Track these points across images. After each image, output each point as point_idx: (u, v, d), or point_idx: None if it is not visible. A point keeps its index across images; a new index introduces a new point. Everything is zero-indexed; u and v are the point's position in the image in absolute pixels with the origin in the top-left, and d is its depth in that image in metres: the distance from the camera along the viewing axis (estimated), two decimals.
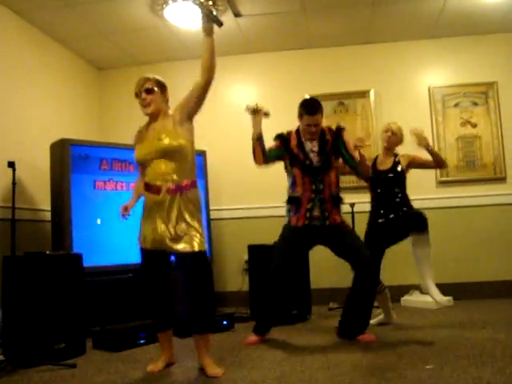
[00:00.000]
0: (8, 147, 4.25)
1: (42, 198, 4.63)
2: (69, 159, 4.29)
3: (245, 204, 5.61)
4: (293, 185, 3.74)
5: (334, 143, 3.72)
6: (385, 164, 4.09)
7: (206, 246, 2.95)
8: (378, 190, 4.05)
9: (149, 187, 2.94)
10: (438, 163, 4.01)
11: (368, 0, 4.71)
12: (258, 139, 3.70)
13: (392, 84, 5.61)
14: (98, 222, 4.44)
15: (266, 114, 3.80)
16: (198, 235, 2.88)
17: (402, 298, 5.09)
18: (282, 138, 3.79)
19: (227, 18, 4.89)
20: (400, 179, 4.03)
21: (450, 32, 5.43)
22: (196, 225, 2.89)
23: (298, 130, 3.80)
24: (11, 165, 3.73)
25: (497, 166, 5.35)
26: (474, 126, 5.44)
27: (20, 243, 3.79)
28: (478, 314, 4.33)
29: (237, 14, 4.87)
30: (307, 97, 5.58)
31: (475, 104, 5.46)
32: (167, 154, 2.91)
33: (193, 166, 3.02)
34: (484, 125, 5.42)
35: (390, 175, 4.00)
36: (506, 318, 4.06)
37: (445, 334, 3.61)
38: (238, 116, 5.75)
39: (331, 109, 5.64)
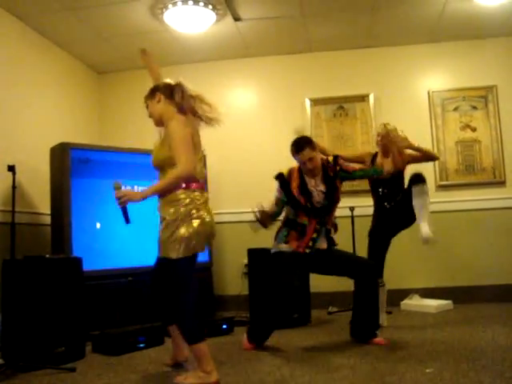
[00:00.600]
0: (8, 151, 4.25)
1: (41, 202, 4.63)
2: (69, 163, 4.28)
3: (245, 207, 5.58)
4: (296, 212, 3.72)
5: (336, 176, 3.70)
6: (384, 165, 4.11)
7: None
8: (380, 190, 4.10)
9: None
10: (427, 158, 4.09)
11: (367, 4, 4.72)
12: (272, 217, 3.81)
13: (391, 88, 5.61)
14: (98, 226, 4.44)
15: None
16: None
17: (402, 302, 5.09)
18: (283, 182, 3.75)
19: (227, 22, 4.91)
20: (401, 178, 4.10)
21: (449, 36, 5.44)
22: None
23: (299, 168, 3.75)
24: (11, 168, 3.73)
25: (496, 169, 5.36)
26: (474, 129, 5.45)
27: (20, 247, 3.79)
28: (478, 317, 4.33)
29: (236, 19, 4.88)
30: (307, 101, 5.62)
31: (475, 108, 5.47)
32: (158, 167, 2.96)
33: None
34: (483, 129, 5.43)
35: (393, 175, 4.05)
36: (505, 322, 4.06)
37: (444, 338, 3.61)
38: (238, 120, 5.79)
39: (331, 113, 5.65)
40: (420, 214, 3.90)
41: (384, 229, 4.16)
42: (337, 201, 3.75)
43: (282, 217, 3.88)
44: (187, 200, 2.82)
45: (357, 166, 3.85)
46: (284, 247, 3.70)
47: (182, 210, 2.79)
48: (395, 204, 4.08)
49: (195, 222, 2.80)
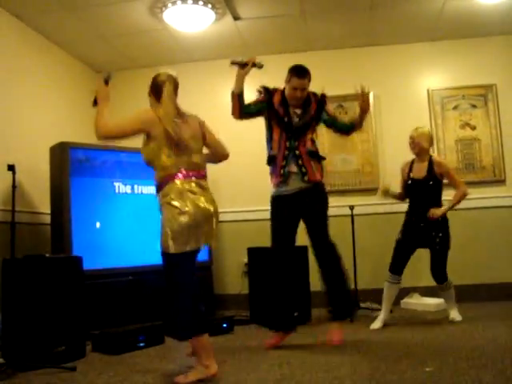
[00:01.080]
0: (8, 150, 4.25)
1: (41, 201, 4.63)
2: (68, 162, 4.29)
3: (244, 206, 5.61)
4: (269, 142, 3.81)
5: (317, 109, 3.78)
6: (418, 171, 4.25)
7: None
8: (411, 197, 4.31)
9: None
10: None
11: (367, 3, 4.72)
12: (239, 96, 3.77)
13: (391, 87, 5.61)
14: (98, 225, 4.44)
15: (259, 66, 3.72)
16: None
17: (402, 301, 5.10)
18: (267, 91, 3.86)
19: (226, 20, 4.90)
20: (434, 186, 4.21)
21: (448, 35, 5.44)
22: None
23: (283, 91, 3.83)
24: (11, 168, 3.74)
25: (496, 168, 5.36)
26: (473, 128, 5.45)
27: (20, 246, 3.79)
28: (478, 316, 4.33)
29: (236, 18, 4.88)
30: None
31: (474, 106, 5.47)
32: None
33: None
34: (483, 127, 5.43)
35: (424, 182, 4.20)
36: (505, 320, 4.06)
37: (445, 337, 3.61)
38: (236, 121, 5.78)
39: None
40: (448, 305, 4.33)
41: (406, 243, 4.27)
42: (309, 129, 3.75)
43: None
44: (168, 195, 2.86)
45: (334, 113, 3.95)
46: (273, 192, 3.78)
47: (165, 204, 2.84)
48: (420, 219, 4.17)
49: (177, 216, 2.78)
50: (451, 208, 4.17)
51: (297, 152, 3.68)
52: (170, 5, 4.52)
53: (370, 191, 5.52)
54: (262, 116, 3.86)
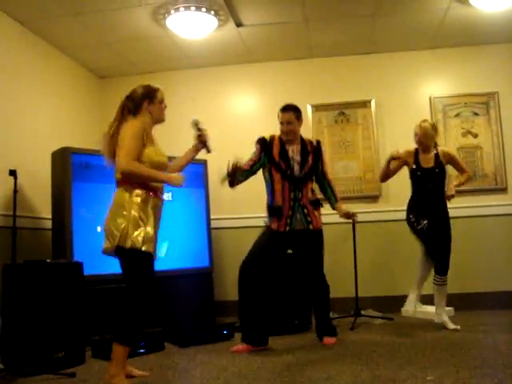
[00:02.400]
0: (9, 155, 4.25)
1: (42, 207, 4.63)
2: (70, 167, 4.29)
3: (245, 213, 5.60)
4: (271, 193, 3.92)
5: (314, 158, 3.94)
6: (426, 162, 4.36)
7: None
8: (419, 187, 4.40)
9: (156, 192, 2.97)
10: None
11: (369, 10, 4.73)
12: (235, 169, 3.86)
13: (393, 94, 5.62)
14: (99, 229, 4.43)
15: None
16: None
17: (403, 309, 5.07)
18: (265, 145, 3.93)
19: (229, 27, 4.92)
20: (442, 175, 4.37)
21: (450, 42, 5.45)
22: None
23: (280, 136, 3.96)
24: (12, 173, 3.72)
25: (498, 176, 5.35)
26: (475, 136, 5.45)
27: (20, 251, 3.78)
28: (479, 324, 4.31)
29: (238, 24, 4.89)
30: (309, 107, 5.62)
31: (476, 114, 5.47)
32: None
33: None
34: (485, 135, 5.43)
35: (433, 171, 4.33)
36: (507, 329, 4.05)
37: (445, 345, 3.59)
38: (239, 125, 5.79)
39: (332, 119, 5.65)
40: (440, 305, 4.33)
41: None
42: (311, 178, 3.95)
43: None
44: None
45: (328, 169, 4.11)
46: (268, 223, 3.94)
47: None
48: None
49: None
50: (461, 185, 4.37)
51: (301, 203, 3.86)
52: (172, 11, 4.53)
53: (372, 198, 5.52)
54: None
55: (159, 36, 5.05)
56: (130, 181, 2.88)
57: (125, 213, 2.85)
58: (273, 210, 3.87)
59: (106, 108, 6.02)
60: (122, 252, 2.85)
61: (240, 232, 5.56)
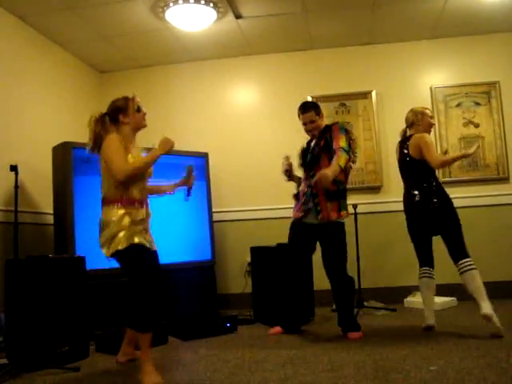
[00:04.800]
0: (10, 150, 4.25)
1: (44, 202, 4.64)
2: (71, 162, 4.28)
3: (247, 206, 5.61)
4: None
5: (325, 140, 3.90)
6: None
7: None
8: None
9: (141, 201, 3.04)
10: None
11: (369, 1, 4.70)
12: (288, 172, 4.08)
13: (394, 85, 5.60)
14: None
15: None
16: None
17: (405, 299, 5.09)
18: (303, 150, 4.10)
19: (228, 19, 4.90)
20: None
21: (451, 32, 5.42)
22: None
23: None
24: (14, 168, 3.73)
25: (500, 165, 5.34)
26: (477, 126, 5.43)
27: (22, 246, 3.79)
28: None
29: (238, 16, 4.87)
30: (309, 98, 5.61)
31: (477, 104, 5.45)
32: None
33: None
34: (486, 125, 5.41)
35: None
36: (509, 318, 4.05)
37: (448, 336, 3.60)
38: (240, 117, 5.78)
39: (333, 110, 5.63)
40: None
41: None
42: (320, 157, 3.87)
43: None
44: None
45: (341, 143, 3.82)
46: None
47: None
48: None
49: None
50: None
51: (314, 190, 3.86)
52: (171, 4, 4.51)
53: (374, 190, 5.51)
54: None
55: (158, 29, 5.04)
56: (113, 199, 2.98)
57: (113, 225, 2.94)
58: (295, 194, 4.06)
59: (107, 102, 5.96)
60: (120, 254, 2.96)
61: (242, 225, 5.57)
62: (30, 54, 4.77)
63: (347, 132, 3.91)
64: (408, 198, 3.91)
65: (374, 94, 5.58)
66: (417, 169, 3.87)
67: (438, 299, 4.86)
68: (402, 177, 4.03)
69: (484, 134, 5.41)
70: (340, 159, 3.69)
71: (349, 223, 4.90)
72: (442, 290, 5.05)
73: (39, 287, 3.29)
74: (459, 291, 4.77)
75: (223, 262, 5.54)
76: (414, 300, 5.00)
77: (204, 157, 5.18)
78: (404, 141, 3.99)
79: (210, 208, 5.23)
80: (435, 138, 5.37)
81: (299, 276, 4.07)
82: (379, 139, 5.55)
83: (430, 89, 5.51)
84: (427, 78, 5.58)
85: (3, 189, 4.14)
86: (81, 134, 5.21)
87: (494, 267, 5.16)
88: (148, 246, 3.00)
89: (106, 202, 3.00)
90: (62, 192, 4.32)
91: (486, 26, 5.30)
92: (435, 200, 3.79)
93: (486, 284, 5.13)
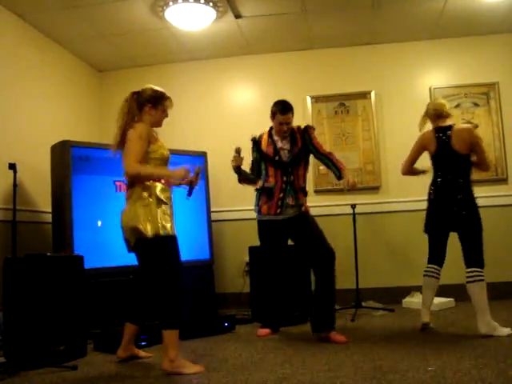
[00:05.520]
0: (9, 149, 4.25)
1: (42, 200, 4.63)
2: (70, 161, 4.28)
3: (245, 205, 5.59)
4: (265, 176, 4.02)
5: (302, 142, 3.96)
6: None
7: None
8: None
9: (169, 183, 3.13)
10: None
11: (368, 1, 4.70)
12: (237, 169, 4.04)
13: (393, 85, 5.60)
14: (99, 223, 4.44)
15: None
16: None
17: (404, 300, 5.09)
18: (255, 144, 4.11)
19: (228, 19, 4.89)
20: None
21: (450, 33, 5.42)
22: None
23: (270, 131, 4.08)
24: (12, 166, 3.73)
25: (498, 167, 5.34)
26: (476, 126, 5.42)
27: (21, 245, 3.79)
28: None
29: (237, 16, 4.86)
30: (308, 98, 5.61)
31: (476, 105, 5.45)
32: None
33: None
34: (485, 126, 5.41)
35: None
36: (507, 319, 4.05)
37: (446, 336, 3.61)
38: (239, 117, 5.78)
39: (332, 110, 5.64)
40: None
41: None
42: (301, 162, 3.96)
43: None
44: None
45: (327, 150, 4.09)
46: (261, 216, 4.03)
47: None
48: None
49: None
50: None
51: (294, 187, 3.92)
52: (171, 3, 4.51)
53: (372, 190, 5.51)
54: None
55: (158, 28, 5.03)
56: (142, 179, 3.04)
57: (148, 206, 2.99)
58: (264, 188, 3.99)
59: (105, 101, 6.02)
60: (154, 241, 2.98)
61: (240, 224, 5.56)
62: (28, 51, 4.77)
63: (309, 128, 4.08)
64: (439, 187, 3.78)
65: (373, 94, 5.59)
66: (459, 161, 3.74)
67: (436, 300, 4.86)
68: (437, 166, 3.85)
69: (483, 134, 5.36)
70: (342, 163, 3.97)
71: (347, 223, 4.93)
72: (439, 291, 5.06)
73: (37, 285, 3.29)
74: (457, 292, 4.78)
75: (221, 261, 5.54)
76: (413, 300, 5.01)
77: (203, 156, 5.18)
78: (444, 129, 3.81)
79: (208, 207, 5.23)
80: None
81: (280, 273, 4.14)
82: (378, 139, 5.55)
83: (429, 89, 5.52)
84: (426, 78, 5.58)
85: (1, 187, 4.14)
86: (79, 133, 5.25)
87: (494, 268, 5.15)
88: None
89: (134, 182, 3.05)
90: (60, 191, 4.31)
91: (485, 27, 5.30)
92: (460, 196, 3.68)
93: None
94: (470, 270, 3.63)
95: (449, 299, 4.93)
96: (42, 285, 3.30)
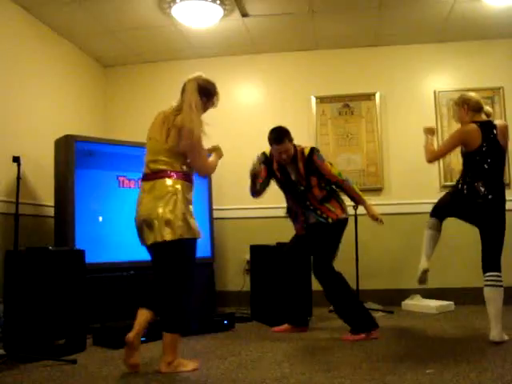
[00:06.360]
0: (13, 142, 4.26)
1: (45, 194, 4.64)
2: (73, 155, 4.29)
3: (247, 204, 5.59)
4: (285, 198, 4.10)
5: (306, 168, 3.88)
6: None
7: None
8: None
9: (190, 177, 3.11)
10: None
11: (375, 3, 4.70)
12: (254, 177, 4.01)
13: (398, 87, 5.60)
14: (100, 219, 4.45)
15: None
16: None
17: (403, 302, 5.09)
18: (267, 160, 4.05)
19: (235, 17, 4.90)
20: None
21: (456, 36, 5.42)
22: None
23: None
24: (16, 159, 3.73)
25: None
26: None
27: (23, 238, 3.79)
28: (479, 319, 4.31)
29: (244, 14, 4.87)
30: (313, 98, 5.61)
31: None
32: None
33: None
34: None
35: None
36: (507, 324, 4.05)
37: (445, 339, 3.61)
38: (243, 116, 5.78)
39: (336, 111, 5.63)
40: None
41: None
42: (311, 186, 3.89)
43: None
44: None
45: (333, 171, 3.93)
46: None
47: None
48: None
49: None
50: None
51: (311, 207, 3.90)
52: (178, 0, 4.51)
53: (375, 191, 5.51)
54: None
55: (164, 25, 5.04)
56: (168, 172, 2.94)
57: (174, 203, 2.88)
58: (288, 209, 4.09)
59: (110, 96, 6.03)
60: (179, 241, 2.87)
61: (242, 223, 5.57)
62: (34, 45, 4.77)
63: (322, 156, 3.96)
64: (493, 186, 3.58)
65: (377, 95, 5.58)
66: (503, 158, 3.66)
67: (436, 303, 4.88)
68: (490, 163, 3.58)
69: None
70: (356, 189, 4.01)
71: (349, 224, 4.92)
72: (439, 294, 5.07)
73: (38, 279, 3.30)
74: (456, 295, 4.78)
75: (222, 259, 5.55)
76: (412, 303, 5.01)
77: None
78: (488, 124, 3.62)
79: (210, 205, 5.23)
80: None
81: (301, 274, 4.14)
82: (381, 141, 5.55)
83: (434, 92, 5.51)
84: (431, 81, 5.58)
85: (5, 180, 4.14)
86: (84, 128, 5.26)
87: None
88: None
89: (160, 175, 2.94)
90: (63, 185, 4.32)
91: (491, 32, 5.30)
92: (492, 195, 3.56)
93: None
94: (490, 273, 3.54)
95: (448, 302, 4.93)
96: (42, 278, 3.31)
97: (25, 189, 4.29)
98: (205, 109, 3.14)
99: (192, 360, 3.03)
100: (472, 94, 3.78)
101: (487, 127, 3.59)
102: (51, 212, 4.55)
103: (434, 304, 4.86)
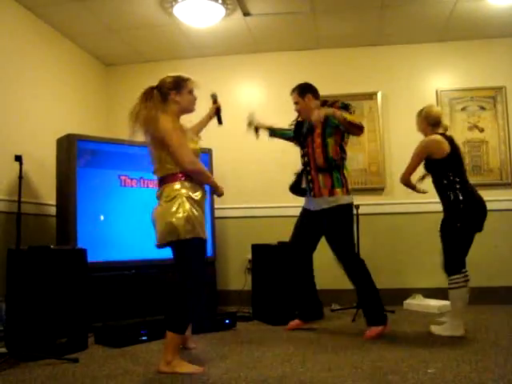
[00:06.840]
0: (15, 141, 4.26)
1: (47, 193, 4.65)
2: (75, 154, 4.29)
3: (249, 203, 5.61)
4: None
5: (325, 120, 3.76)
6: None
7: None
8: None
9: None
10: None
11: (377, 2, 4.69)
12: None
13: (399, 86, 5.59)
14: (102, 218, 4.45)
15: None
16: None
17: (405, 302, 5.09)
18: (297, 123, 4.11)
19: (236, 16, 4.89)
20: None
21: (458, 36, 5.41)
22: None
23: None
24: (18, 158, 3.73)
25: (503, 171, 5.33)
26: (482, 130, 5.42)
27: (25, 237, 3.79)
28: (481, 319, 4.32)
29: (246, 14, 4.87)
30: None
31: (483, 108, 5.44)
32: None
33: None
34: (491, 129, 5.40)
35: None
36: (508, 323, 4.05)
37: (447, 339, 3.60)
38: (244, 115, 5.77)
39: None
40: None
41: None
42: (313, 129, 3.85)
43: None
44: None
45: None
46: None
47: None
48: None
49: None
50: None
51: (308, 168, 3.84)
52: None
53: (376, 191, 5.51)
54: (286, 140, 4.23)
55: (166, 24, 5.04)
56: (176, 176, 2.94)
57: (182, 206, 2.87)
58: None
59: (112, 95, 6.03)
60: (186, 242, 2.88)
61: (244, 222, 5.57)
62: (36, 44, 4.78)
63: (347, 108, 3.86)
64: (472, 191, 3.79)
65: (379, 95, 5.58)
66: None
67: (437, 302, 4.87)
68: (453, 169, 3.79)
69: (488, 138, 5.40)
70: (345, 114, 3.68)
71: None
72: (441, 294, 5.06)
73: (40, 278, 3.30)
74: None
75: (224, 258, 5.55)
76: (414, 302, 5.01)
77: (208, 153, 5.18)
78: (449, 137, 3.86)
79: (212, 204, 5.23)
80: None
81: (306, 265, 4.09)
82: (383, 141, 5.54)
83: (436, 92, 5.50)
84: (433, 80, 5.57)
85: (7, 179, 4.15)
86: (86, 127, 5.26)
87: (496, 273, 5.16)
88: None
89: (171, 179, 2.95)
90: (65, 184, 4.33)
91: (493, 31, 5.29)
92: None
93: (486, 289, 5.16)
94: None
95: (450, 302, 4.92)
96: (44, 277, 3.32)
97: (27, 188, 4.29)
98: (181, 98, 3.09)
99: (196, 364, 2.97)
100: (433, 109, 3.98)
101: (448, 138, 3.82)
102: (53, 211, 4.56)
103: (435, 304, 4.85)
